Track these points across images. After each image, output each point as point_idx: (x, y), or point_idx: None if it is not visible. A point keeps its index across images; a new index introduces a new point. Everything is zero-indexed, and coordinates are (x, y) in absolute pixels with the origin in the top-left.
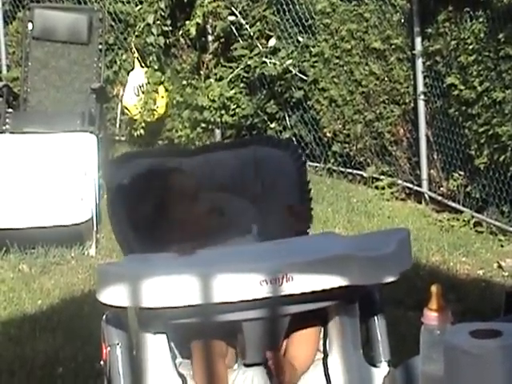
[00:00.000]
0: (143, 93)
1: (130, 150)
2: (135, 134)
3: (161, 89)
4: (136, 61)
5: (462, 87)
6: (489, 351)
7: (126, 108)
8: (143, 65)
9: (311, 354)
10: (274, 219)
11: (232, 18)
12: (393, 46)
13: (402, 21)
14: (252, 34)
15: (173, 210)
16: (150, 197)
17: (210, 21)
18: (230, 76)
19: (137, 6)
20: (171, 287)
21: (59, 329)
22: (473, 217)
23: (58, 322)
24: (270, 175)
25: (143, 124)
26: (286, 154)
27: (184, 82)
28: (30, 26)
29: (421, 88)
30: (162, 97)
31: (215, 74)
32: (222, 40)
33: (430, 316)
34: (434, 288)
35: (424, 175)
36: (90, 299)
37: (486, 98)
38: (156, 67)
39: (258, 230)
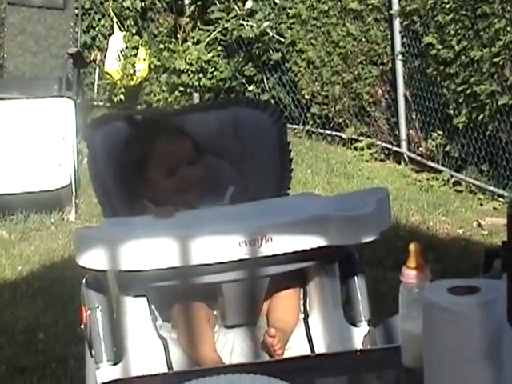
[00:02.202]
0: (123, 57)
1: (109, 112)
2: (115, 99)
3: (141, 52)
4: (115, 25)
5: (440, 46)
6: (467, 308)
7: (108, 73)
8: (122, 29)
9: (295, 314)
10: (254, 181)
11: None
12: (370, 7)
13: None
14: None
15: (147, 174)
16: (136, 149)
17: None
18: (208, 39)
19: None
20: (150, 250)
21: (40, 294)
22: (452, 176)
23: (38, 288)
24: (250, 136)
25: (123, 89)
26: (265, 115)
27: (161, 46)
28: None
29: (398, 48)
30: (144, 59)
31: (192, 38)
32: (199, 3)
33: (409, 274)
34: (412, 246)
35: (403, 135)
36: (70, 264)
37: (463, 57)
38: (134, 31)
39: (231, 194)
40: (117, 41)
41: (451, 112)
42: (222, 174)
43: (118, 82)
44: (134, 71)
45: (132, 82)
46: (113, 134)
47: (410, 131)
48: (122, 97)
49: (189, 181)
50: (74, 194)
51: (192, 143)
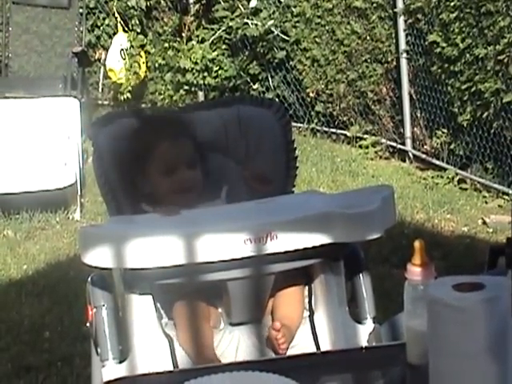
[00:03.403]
0: (127, 56)
1: (114, 110)
2: (121, 98)
3: (142, 52)
4: (119, 25)
5: (444, 44)
6: (471, 304)
7: (112, 71)
8: (126, 29)
9: (300, 312)
10: None
11: None
12: (374, 5)
13: None
14: None
15: (147, 170)
16: (138, 145)
17: None
18: (212, 38)
19: None
20: (156, 248)
21: (45, 293)
22: (457, 174)
23: (43, 287)
24: (255, 134)
25: (130, 88)
26: (269, 113)
27: (166, 45)
28: None
29: (403, 46)
30: (143, 62)
31: (197, 36)
32: (204, 1)
33: (414, 271)
34: (417, 243)
35: (407, 133)
36: (75, 263)
37: (468, 55)
38: (139, 30)
39: (226, 193)
40: (120, 40)
41: (456, 110)
42: (226, 172)
43: (124, 81)
44: (140, 70)
45: (133, 83)
46: (118, 131)
47: (415, 129)
48: (128, 95)
49: (185, 183)
50: (79, 192)
51: (193, 146)
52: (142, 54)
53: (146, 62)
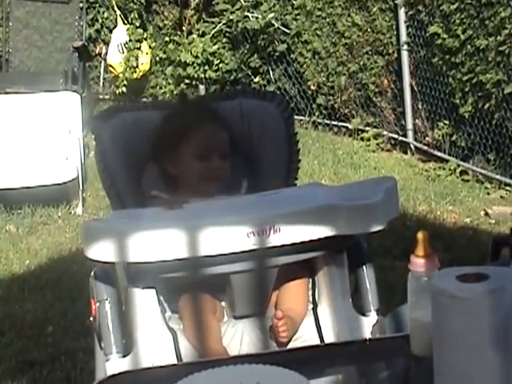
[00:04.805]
0: (126, 50)
1: (115, 104)
2: (117, 92)
3: (144, 45)
4: (119, 18)
5: (445, 36)
6: (476, 295)
7: (111, 66)
8: (126, 22)
9: (304, 305)
10: (262, 171)
11: None
12: None
13: None
14: None
15: (179, 152)
16: (177, 124)
17: None
18: (213, 31)
19: None
20: (158, 241)
21: (48, 288)
22: (459, 165)
23: (46, 282)
24: (258, 127)
25: (125, 82)
26: (272, 106)
27: (166, 39)
28: None
29: (404, 38)
30: (147, 53)
31: (197, 30)
32: None
33: (417, 262)
34: (420, 234)
35: (409, 125)
36: (77, 258)
37: (469, 46)
38: (138, 24)
39: (246, 188)
40: (120, 34)
41: (457, 101)
42: (233, 165)
43: (121, 75)
44: (137, 64)
45: (134, 76)
46: (121, 126)
47: (417, 121)
48: (124, 89)
49: (215, 173)
50: (80, 187)
51: (229, 138)
52: (145, 47)
53: (151, 59)
